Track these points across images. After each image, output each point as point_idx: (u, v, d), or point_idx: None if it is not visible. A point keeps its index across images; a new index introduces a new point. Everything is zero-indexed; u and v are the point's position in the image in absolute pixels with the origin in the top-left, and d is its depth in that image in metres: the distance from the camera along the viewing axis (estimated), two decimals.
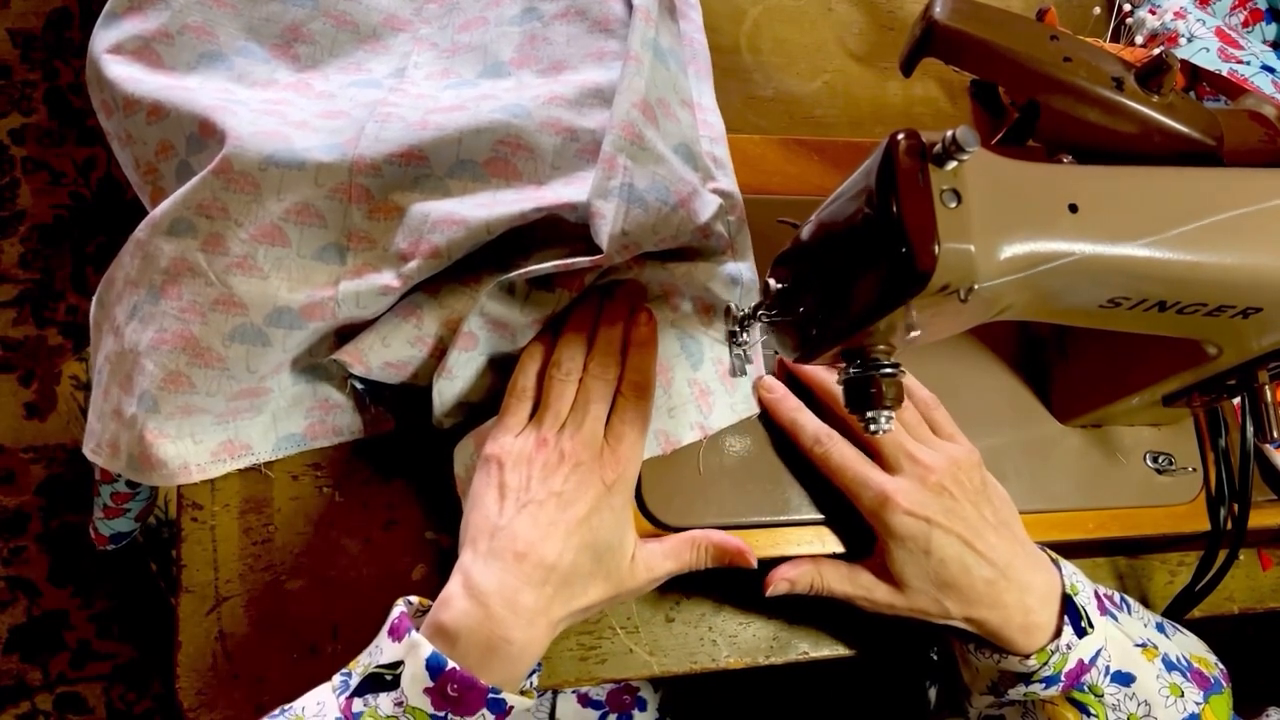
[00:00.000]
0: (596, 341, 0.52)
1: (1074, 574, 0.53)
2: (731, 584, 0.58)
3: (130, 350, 0.52)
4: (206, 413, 0.52)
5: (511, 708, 0.45)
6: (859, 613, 0.54)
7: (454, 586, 0.46)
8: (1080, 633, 0.51)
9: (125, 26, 0.57)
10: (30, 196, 1.45)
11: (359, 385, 0.55)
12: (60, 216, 1.46)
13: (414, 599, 0.48)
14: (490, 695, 0.43)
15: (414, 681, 0.43)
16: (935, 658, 0.63)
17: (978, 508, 0.51)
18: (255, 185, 0.50)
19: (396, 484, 0.57)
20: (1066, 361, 0.61)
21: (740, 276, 0.57)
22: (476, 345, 0.52)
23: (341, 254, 0.52)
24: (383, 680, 0.44)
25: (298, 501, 0.56)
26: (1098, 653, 0.52)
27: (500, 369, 0.54)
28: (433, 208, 0.51)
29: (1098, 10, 0.76)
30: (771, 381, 0.56)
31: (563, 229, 0.53)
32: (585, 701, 0.70)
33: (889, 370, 0.45)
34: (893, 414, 0.46)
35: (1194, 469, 0.61)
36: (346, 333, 0.53)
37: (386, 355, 0.52)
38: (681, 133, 0.55)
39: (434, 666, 0.43)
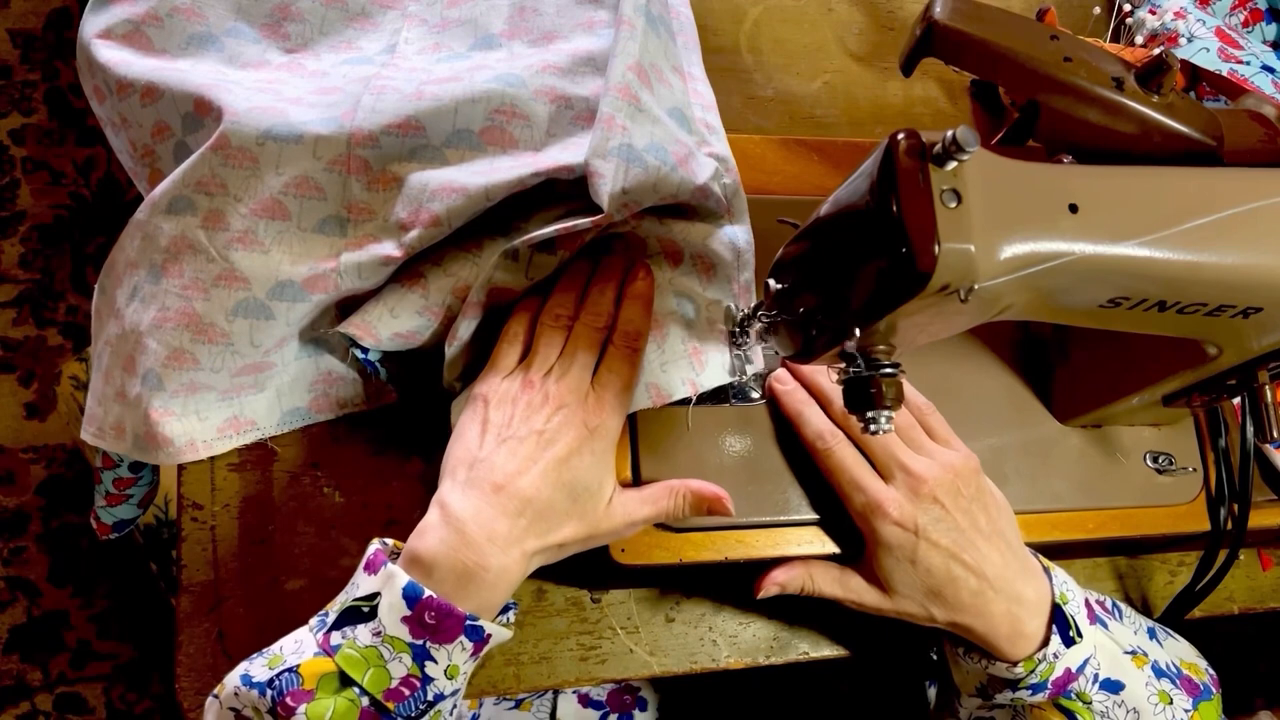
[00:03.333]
0: (590, 292, 0.52)
1: (1065, 582, 0.53)
2: (731, 584, 0.58)
3: (132, 331, 0.52)
4: (211, 389, 0.52)
5: (489, 635, 0.45)
6: (856, 613, 0.54)
7: (431, 516, 0.47)
8: (1068, 642, 0.51)
9: (114, 11, 0.57)
10: (30, 196, 1.45)
11: (362, 356, 0.55)
12: (60, 216, 1.46)
13: (389, 540, 0.49)
14: (468, 622, 0.44)
15: (391, 611, 0.44)
16: (935, 658, 0.63)
17: (970, 517, 0.51)
18: (254, 160, 0.51)
19: (396, 484, 0.57)
20: (1067, 362, 0.61)
21: (737, 240, 0.57)
22: (482, 312, 0.53)
23: (342, 226, 0.52)
24: (360, 613, 0.44)
25: (298, 501, 0.56)
26: (1085, 661, 0.52)
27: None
28: (431, 176, 0.51)
29: (1098, 10, 0.76)
30: (784, 374, 0.56)
31: (560, 190, 0.53)
32: (586, 702, 0.70)
33: (889, 370, 0.45)
34: (892, 414, 0.46)
35: (1194, 469, 0.61)
36: (348, 304, 0.53)
37: (395, 326, 0.52)
38: (674, 98, 0.56)
39: (410, 595, 0.44)
